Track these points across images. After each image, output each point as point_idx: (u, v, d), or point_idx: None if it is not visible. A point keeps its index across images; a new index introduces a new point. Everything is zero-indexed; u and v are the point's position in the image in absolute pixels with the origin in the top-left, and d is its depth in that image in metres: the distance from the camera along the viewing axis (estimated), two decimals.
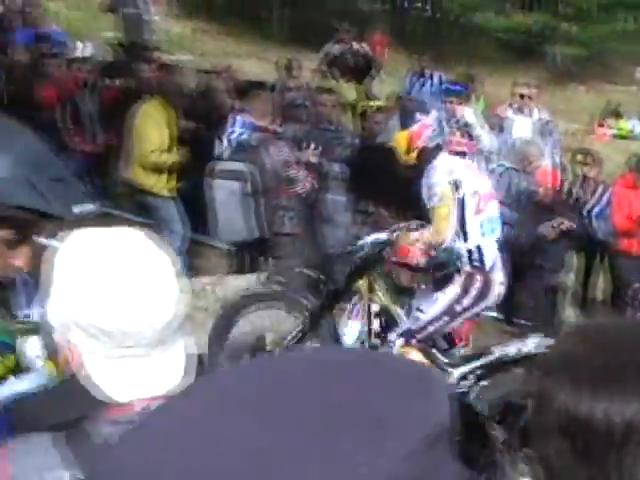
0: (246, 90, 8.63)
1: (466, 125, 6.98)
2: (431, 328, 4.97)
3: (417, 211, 5.29)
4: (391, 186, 6.38)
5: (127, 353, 1.44)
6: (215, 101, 10.03)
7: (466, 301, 4.87)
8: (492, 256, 4.92)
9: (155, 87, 8.85)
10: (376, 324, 5.16)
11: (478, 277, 4.88)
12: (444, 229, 4.80)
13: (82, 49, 12.04)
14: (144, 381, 1.46)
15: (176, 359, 1.50)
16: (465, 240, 4.86)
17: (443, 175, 4.90)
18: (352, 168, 7.72)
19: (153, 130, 7.84)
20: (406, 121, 5.74)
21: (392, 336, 5.06)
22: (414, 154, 5.11)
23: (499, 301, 5.11)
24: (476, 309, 4.98)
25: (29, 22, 11.95)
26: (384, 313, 5.17)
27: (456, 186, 4.86)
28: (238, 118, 7.90)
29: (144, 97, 8.31)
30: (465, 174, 4.99)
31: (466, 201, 4.85)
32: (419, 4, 22.74)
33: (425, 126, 5.17)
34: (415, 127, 5.24)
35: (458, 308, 4.87)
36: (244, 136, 7.69)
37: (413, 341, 4.97)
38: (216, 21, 19.52)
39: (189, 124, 8.84)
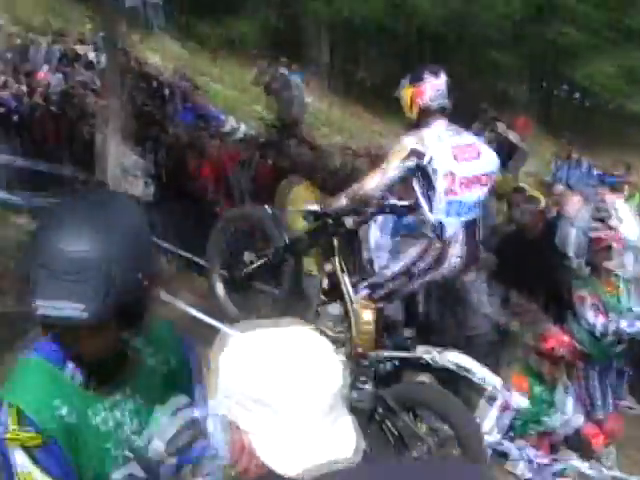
0: None
1: (615, 215, 6.89)
2: (391, 285, 5.20)
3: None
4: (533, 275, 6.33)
5: (297, 427, 1.55)
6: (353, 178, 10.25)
7: (422, 264, 5.11)
8: (452, 231, 5.09)
9: (306, 166, 9.16)
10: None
11: (436, 245, 5.08)
12: (367, 181, 5.02)
13: (238, 127, 12.64)
14: (314, 454, 1.57)
15: (345, 432, 1.59)
16: (430, 211, 5.02)
17: (410, 139, 4.96)
18: (497, 254, 7.69)
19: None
20: None
21: (362, 284, 5.22)
22: None
23: (454, 272, 5.28)
24: (430, 274, 5.16)
25: (190, 101, 12.69)
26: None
27: (417, 155, 4.93)
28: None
29: (294, 176, 8.63)
30: (441, 154, 4.98)
31: (437, 178, 4.95)
32: (566, 88, 22.62)
33: None
34: None
35: (414, 270, 5.12)
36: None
37: (375, 295, 5.19)
38: (365, 102, 20.01)
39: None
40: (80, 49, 14.46)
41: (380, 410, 5.07)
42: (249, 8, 22.67)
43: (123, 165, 7.11)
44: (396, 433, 5.03)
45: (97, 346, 1.82)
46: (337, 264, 5.24)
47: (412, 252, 5.13)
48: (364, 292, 5.21)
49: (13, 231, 8.30)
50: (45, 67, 13.00)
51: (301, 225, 5.61)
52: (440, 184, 4.94)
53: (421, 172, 4.95)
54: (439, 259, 5.10)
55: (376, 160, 10.70)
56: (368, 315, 5.10)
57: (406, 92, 5.22)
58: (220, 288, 5.83)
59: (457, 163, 5.03)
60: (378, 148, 11.54)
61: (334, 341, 4.98)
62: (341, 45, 22.81)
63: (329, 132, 16.65)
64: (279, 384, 1.56)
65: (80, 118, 10.91)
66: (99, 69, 13.01)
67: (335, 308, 5.29)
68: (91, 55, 14.25)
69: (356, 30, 22.12)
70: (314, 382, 1.57)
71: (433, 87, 5.13)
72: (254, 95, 15.98)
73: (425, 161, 4.92)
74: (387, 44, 23.69)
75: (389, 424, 5.06)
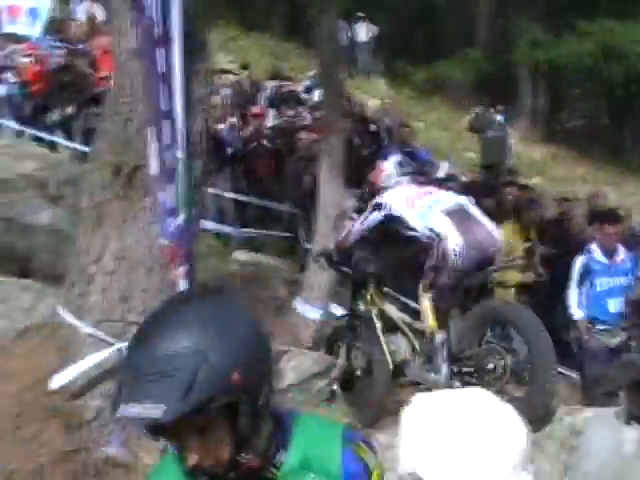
0: (603, 217, 8.46)
1: None
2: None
3: None
4: None
5: None
6: (570, 228, 9.99)
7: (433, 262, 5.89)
8: (443, 228, 5.87)
9: (514, 210, 9.06)
10: None
11: (435, 245, 5.87)
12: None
13: (442, 168, 12.62)
14: None
15: None
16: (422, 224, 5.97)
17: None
18: None
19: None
20: None
21: None
22: None
23: (458, 257, 5.80)
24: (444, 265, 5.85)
25: (398, 140, 12.82)
26: None
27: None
28: (592, 248, 7.78)
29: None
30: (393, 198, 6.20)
31: (393, 210, 6.07)
32: None
33: None
34: None
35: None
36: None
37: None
38: (574, 147, 19.53)
39: (546, 249, 8.92)
40: (292, 86, 15.04)
41: None
42: (455, 50, 22.76)
43: (343, 207, 7.26)
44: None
45: (207, 454, 1.63)
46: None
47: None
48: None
49: (235, 265, 8.65)
50: (261, 104, 13.61)
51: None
52: (401, 209, 6.11)
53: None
54: (443, 255, 5.80)
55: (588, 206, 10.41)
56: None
57: None
58: None
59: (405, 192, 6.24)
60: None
61: None
62: (544, 87, 22.42)
63: (531, 174, 16.34)
64: (461, 444, 1.56)
65: (291, 154, 11.30)
66: (310, 105, 13.47)
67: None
68: (302, 92, 14.81)
69: (560, 72, 21.72)
70: (497, 443, 1.56)
71: None
72: (466, 141, 15.98)
73: None
74: (591, 86, 23.09)
75: None
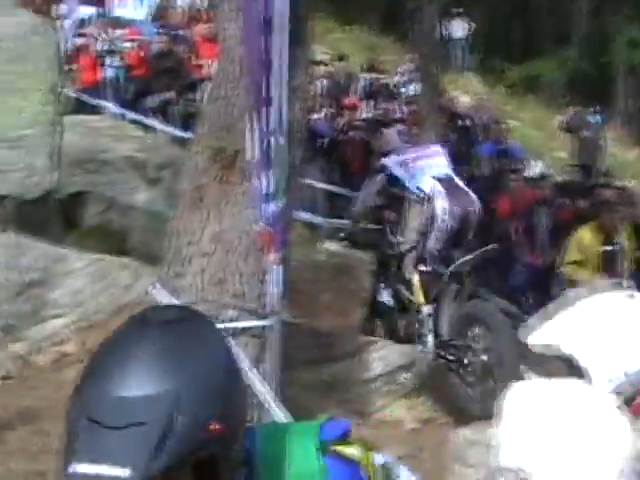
0: None
1: None
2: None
3: None
4: None
5: None
6: None
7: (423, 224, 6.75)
8: (433, 190, 6.74)
9: (607, 211, 8.90)
10: None
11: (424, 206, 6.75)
12: None
13: (536, 166, 12.44)
14: None
15: None
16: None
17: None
18: None
19: (574, 249, 8.37)
20: None
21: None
22: None
23: (446, 220, 6.65)
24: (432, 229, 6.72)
25: (492, 137, 12.72)
26: None
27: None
28: None
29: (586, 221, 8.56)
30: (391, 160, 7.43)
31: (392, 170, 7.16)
32: None
33: None
34: None
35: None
36: None
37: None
38: None
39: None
40: (387, 79, 15.05)
41: None
42: (550, 48, 22.39)
43: None
44: None
45: None
46: None
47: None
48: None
49: (323, 256, 8.71)
50: (355, 95, 13.68)
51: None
52: (399, 172, 7.19)
53: None
54: (432, 214, 6.61)
55: None
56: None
57: None
58: None
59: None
60: None
61: None
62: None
63: (625, 176, 15.95)
64: (570, 444, 1.54)
65: (380, 146, 11.31)
66: (404, 99, 13.46)
67: None
68: (396, 85, 14.81)
69: None
70: (606, 446, 1.53)
71: None
72: (559, 140, 15.73)
73: None
74: None
75: None
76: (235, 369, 1.40)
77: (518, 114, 18.47)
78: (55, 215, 6.91)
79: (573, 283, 8.00)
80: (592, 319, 2.33)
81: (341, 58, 15.23)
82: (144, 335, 1.34)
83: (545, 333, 2.52)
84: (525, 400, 1.66)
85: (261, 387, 4.82)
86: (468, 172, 10.67)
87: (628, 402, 2.86)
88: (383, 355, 6.29)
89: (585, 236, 8.41)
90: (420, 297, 6.63)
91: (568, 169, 12.78)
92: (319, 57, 15.80)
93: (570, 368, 2.63)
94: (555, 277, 8.76)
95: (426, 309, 6.55)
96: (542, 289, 9.31)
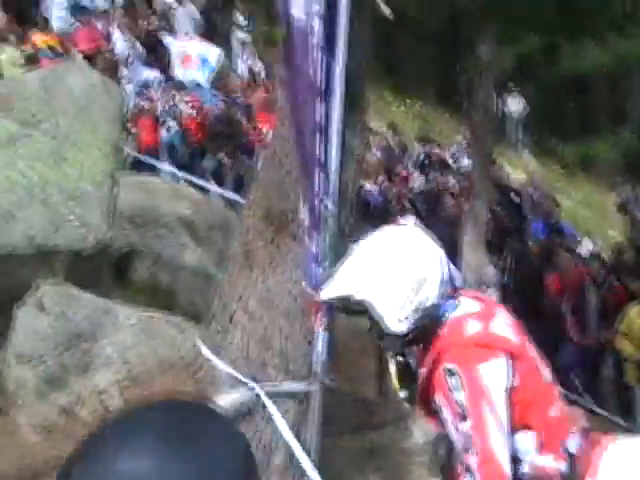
0: None
1: None
2: None
3: None
4: None
5: None
6: None
7: None
8: None
9: None
10: None
11: None
12: None
13: (587, 245, 12.34)
14: None
15: None
16: None
17: None
18: None
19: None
20: None
21: None
22: None
23: None
24: None
25: (542, 214, 12.64)
26: None
27: None
28: None
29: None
30: None
31: None
32: None
33: None
34: None
35: None
36: None
37: None
38: None
39: None
40: (440, 151, 15.11)
41: None
42: (605, 126, 22.31)
43: (482, 273, 7.22)
44: None
45: None
46: None
47: None
48: None
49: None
50: (410, 168, 13.75)
51: None
52: None
53: None
54: None
55: None
56: None
57: None
58: None
59: None
60: None
61: None
62: None
63: None
64: None
65: (435, 218, 11.31)
66: (457, 173, 13.48)
67: None
68: (449, 157, 14.87)
69: None
70: None
71: None
72: (611, 220, 15.61)
73: None
74: None
75: None
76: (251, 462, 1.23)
77: (570, 192, 18.37)
78: (106, 269, 6.99)
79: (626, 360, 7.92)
80: (372, 259, 2.41)
81: (395, 129, 15.36)
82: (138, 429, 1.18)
83: (336, 285, 2.57)
84: (628, 462, 1.60)
85: (300, 454, 4.76)
86: (518, 249, 10.63)
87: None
88: (423, 424, 6.19)
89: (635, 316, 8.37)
90: None
91: (621, 249, 12.63)
92: (374, 127, 16.03)
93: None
94: (605, 357, 8.61)
95: None
96: (591, 369, 9.16)
